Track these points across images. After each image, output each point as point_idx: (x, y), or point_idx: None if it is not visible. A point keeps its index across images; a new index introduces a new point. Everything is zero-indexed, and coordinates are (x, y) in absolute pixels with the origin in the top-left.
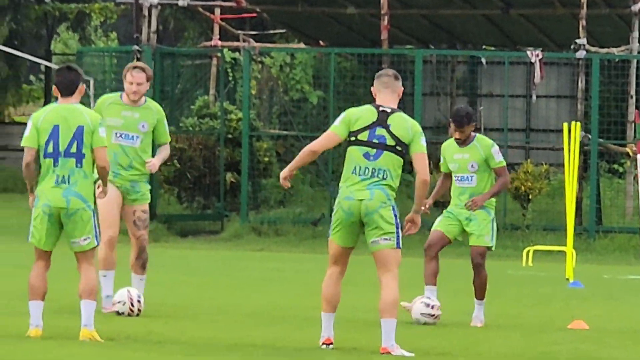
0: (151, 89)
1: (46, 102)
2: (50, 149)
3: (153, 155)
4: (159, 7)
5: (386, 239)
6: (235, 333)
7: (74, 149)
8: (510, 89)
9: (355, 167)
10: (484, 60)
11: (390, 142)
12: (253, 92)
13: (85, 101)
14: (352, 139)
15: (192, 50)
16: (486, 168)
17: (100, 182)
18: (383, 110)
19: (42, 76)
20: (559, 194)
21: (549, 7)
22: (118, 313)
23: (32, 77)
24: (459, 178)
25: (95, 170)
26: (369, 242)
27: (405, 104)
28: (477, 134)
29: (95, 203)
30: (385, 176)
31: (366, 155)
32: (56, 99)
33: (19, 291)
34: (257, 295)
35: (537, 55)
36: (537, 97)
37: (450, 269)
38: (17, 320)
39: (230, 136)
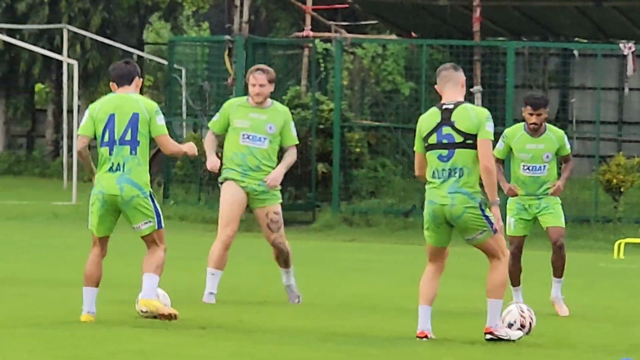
0: (243, 79)
1: (139, 91)
2: (106, 138)
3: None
4: None
5: (481, 233)
6: (326, 322)
7: (128, 137)
8: (602, 82)
9: (433, 171)
10: (576, 53)
11: (458, 139)
12: (345, 82)
13: (177, 90)
14: (425, 145)
15: (284, 40)
16: (554, 157)
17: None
18: (446, 109)
19: None
20: None
21: None
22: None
23: None
24: (530, 168)
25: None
26: (464, 239)
27: (497, 96)
28: (547, 124)
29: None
30: (461, 174)
31: (440, 158)
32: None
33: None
34: (347, 285)
35: (630, 48)
36: (630, 89)
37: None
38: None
39: (321, 127)
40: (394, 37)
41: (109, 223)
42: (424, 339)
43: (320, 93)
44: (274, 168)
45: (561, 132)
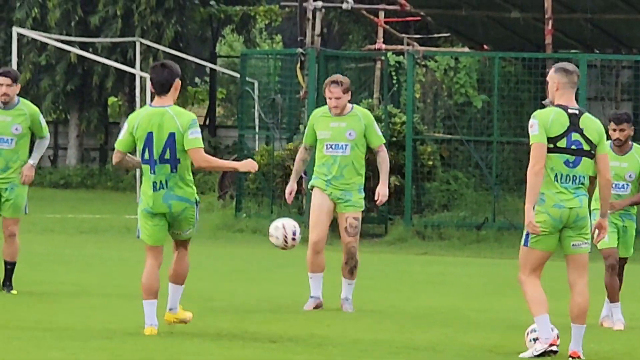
0: (315, 91)
1: (211, 105)
2: (146, 156)
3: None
4: (323, 10)
5: (586, 243)
6: (398, 336)
7: (167, 156)
8: None
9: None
10: None
11: (586, 147)
12: (417, 95)
13: (249, 103)
14: (551, 146)
15: (356, 53)
16: (638, 177)
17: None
18: (572, 113)
19: (207, 78)
20: None
21: None
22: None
23: (197, 79)
24: (613, 185)
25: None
26: (569, 245)
27: None
28: (634, 144)
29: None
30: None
31: (566, 163)
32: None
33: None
34: (419, 298)
35: None
36: None
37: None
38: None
39: (394, 139)
40: (466, 49)
41: (161, 233)
42: (553, 346)
43: (393, 106)
44: (356, 174)
45: None
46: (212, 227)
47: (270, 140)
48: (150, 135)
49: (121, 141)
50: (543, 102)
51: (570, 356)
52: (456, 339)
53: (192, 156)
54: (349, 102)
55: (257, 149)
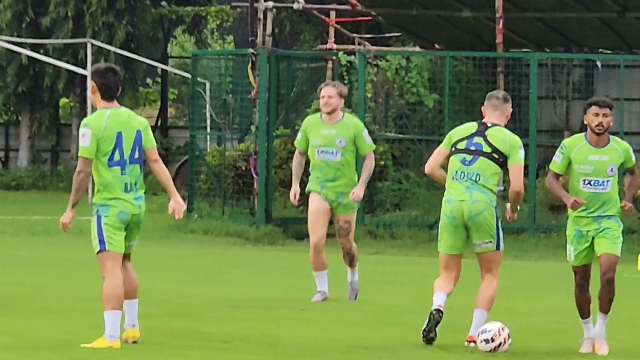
0: (266, 92)
1: (162, 105)
2: (117, 157)
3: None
4: (275, 10)
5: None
6: (350, 335)
7: (137, 155)
8: (626, 92)
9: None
10: (599, 64)
11: (486, 149)
12: (368, 95)
13: (201, 103)
14: (452, 149)
15: (308, 53)
16: (618, 172)
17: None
18: (483, 123)
19: (159, 79)
20: None
21: None
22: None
23: (149, 80)
24: (592, 182)
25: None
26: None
27: (521, 108)
28: (611, 136)
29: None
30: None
31: (463, 161)
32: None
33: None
34: (372, 298)
35: None
36: None
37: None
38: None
39: None
40: (417, 49)
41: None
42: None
43: (344, 106)
44: (349, 177)
45: (626, 143)
46: (164, 228)
47: (222, 140)
48: (119, 135)
49: (87, 148)
50: None
51: (467, 340)
52: (408, 338)
53: (151, 155)
54: (294, 108)
55: (208, 150)
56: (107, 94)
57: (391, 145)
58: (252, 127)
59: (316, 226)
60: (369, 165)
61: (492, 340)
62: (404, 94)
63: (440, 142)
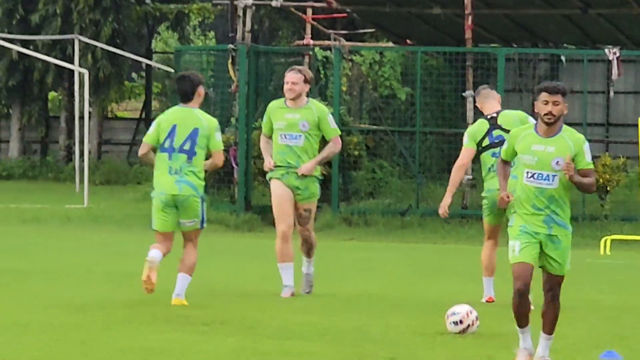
0: (246, 85)
1: (147, 99)
2: (166, 145)
3: None
4: (254, 7)
5: None
6: (325, 318)
7: (187, 147)
8: (589, 86)
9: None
10: (563, 59)
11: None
12: (344, 88)
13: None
14: (479, 148)
15: (285, 48)
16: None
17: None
18: (491, 117)
19: (143, 73)
20: (636, 186)
21: (625, 6)
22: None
23: (134, 75)
24: (535, 176)
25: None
26: None
27: None
28: (564, 125)
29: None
30: None
31: (494, 155)
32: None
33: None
34: (346, 282)
35: (615, 53)
36: (615, 93)
37: None
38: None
39: None
40: (390, 44)
41: (172, 219)
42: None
43: (320, 98)
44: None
45: (581, 136)
46: (149, 216)
47: None
48: (174, 127)
49: (149, 135)
50: (463, 94)
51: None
52: (381, 320)
53: (215, 156)
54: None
55: None
56: (180, 98)
57: (365, 136)
58: (232, 119)
59: (283, 214)
60: (330, 147)
61: (461, 322)
62: (378, 88)
63: (412, 134)
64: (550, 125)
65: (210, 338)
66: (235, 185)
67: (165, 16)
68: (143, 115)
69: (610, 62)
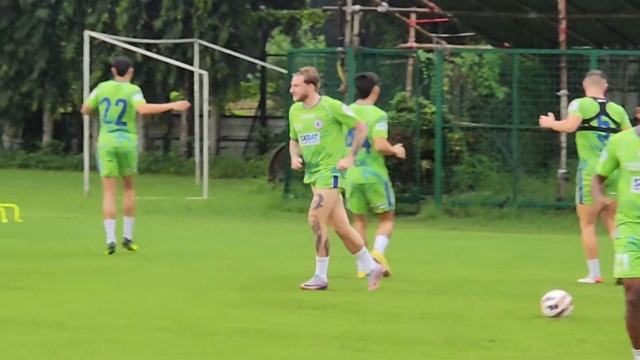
0: (353, 86)
1: (262, 98)
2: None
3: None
4: (361, 13)
5: None
6: (427, 302)
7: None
8: None
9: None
10: None
11: (612, 125)
12: (445, 88)
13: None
14: (586, 124)
15: (390, 51)
16: None
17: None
18: (601, 103)
19: (258, 74)
20: None
21: None
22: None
23: (249, 76)
24: None
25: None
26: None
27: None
28: None
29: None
30: None
31: (599, 137)
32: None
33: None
34: (448, 269)
35: None
36: None
37: None
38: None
39: (425, 128)
40: (489, 47)
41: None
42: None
43: (424, 98)
44: (330, 157)
45: None
46: (263, 207)
47: None
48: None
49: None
50: (558, 93)
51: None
52: (480, 305)
53: (376, 142)
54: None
55: None
56: (359, 93)
57: (466, 133)
58: None
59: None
60: (356, 135)
61: (556, 306)
62: (477, 87)
63: (509, 130)
64: None
65: (322, 321)
66: None
67: (278, 21)
68: (259, 114)
69: None
